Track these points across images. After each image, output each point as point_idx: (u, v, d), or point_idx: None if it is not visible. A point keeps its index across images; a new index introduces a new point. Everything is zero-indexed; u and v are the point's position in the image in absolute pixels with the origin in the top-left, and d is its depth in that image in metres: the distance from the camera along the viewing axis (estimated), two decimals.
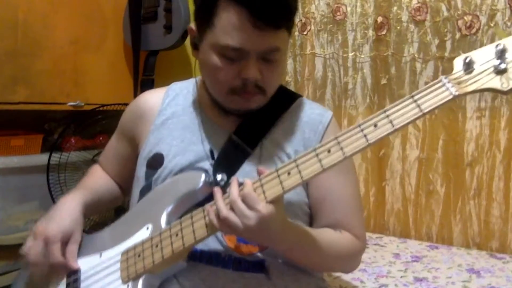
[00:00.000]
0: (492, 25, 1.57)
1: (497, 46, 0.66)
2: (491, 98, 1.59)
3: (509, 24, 1.55)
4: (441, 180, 1.70)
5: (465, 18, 1.60)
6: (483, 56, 0.67)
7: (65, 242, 0.91)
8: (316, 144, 0.84)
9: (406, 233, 1.76)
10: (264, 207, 0.72)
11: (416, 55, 1.72)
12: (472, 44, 1.59)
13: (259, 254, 0.88)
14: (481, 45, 1.57)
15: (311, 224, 0.97)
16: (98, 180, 1.12)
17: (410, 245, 1.64)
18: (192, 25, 0.93)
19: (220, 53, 0.85)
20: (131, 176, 1.04)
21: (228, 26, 0.82)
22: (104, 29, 2.16)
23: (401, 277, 1.34)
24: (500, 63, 0.65)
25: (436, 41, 1.67)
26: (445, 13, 1.65)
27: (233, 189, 0.75)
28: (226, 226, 0.74)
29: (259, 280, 0.88)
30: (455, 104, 1.65)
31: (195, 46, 0.94)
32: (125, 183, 1.13)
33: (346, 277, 1.32)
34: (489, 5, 1.57)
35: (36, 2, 1.87)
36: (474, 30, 1.59)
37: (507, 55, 0.65)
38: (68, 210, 0.94)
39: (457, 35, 1.63)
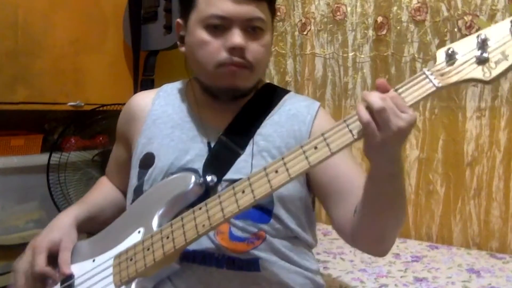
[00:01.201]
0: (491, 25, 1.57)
1: (478, 36, 0.66)
2: (491, 98, 1.59)
3: None
4: (441, 180, 1.70)
5: (465, 18, 1.60)
6: (465, 47, 0.67)
7: (54, 252, 0.92)
8: (307, 134, 0.87)
9: (406, 233, 1.75)
10: (413, 112, 0.68)
11: (416, 55, 1.71)
12: None
13: (251, 251, 0.88)
14: None
15: (310, 220, 0.98)
16: (100, 193, 1.12)
17: (410, 245, 1.64)
18: (179, 20, 0.97)
19: (205, 27, 0.90)
20: None
21: None
22: (104, 29, 2.16)
23: (401, 277, 1.34)
24: (481, 53, 0.65)
25: (436, 41, 1.67)
26: (445, 13, 1.65)
27: (374, 93, 0.68)
28: (378, 121, 0.67)
29: (254, 278, 0.88)
30: (455, 104, 1.65)
31: (182, 40, 0.97)
32: None
33: (346, 277, 1.32)
34: (489, 5, 1.57)
35: (36, 2, 1.87)
36: (474, 30, 1.59)
37: (488, 44, 0.65)
38: (58, 222, 0.97)
39: (457, 35, 1.62)
